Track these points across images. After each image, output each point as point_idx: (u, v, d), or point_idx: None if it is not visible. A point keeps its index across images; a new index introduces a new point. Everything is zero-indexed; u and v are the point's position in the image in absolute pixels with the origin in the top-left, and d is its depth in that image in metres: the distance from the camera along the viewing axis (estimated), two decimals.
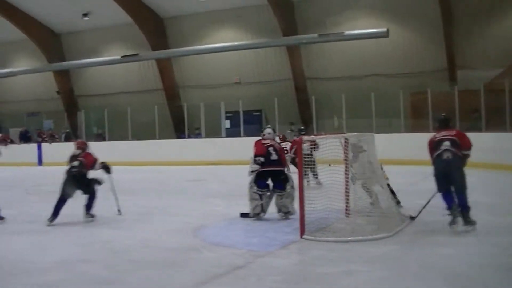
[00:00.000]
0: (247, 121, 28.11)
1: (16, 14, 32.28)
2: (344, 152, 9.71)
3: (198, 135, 28.93)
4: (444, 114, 10.41)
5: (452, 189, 9.06)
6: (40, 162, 30.17)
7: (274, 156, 10.77)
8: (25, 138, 33.11)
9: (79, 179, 11.22)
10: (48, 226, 10.65)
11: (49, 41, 34.56)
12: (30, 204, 14.53)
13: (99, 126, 32.29)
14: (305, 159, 9.84)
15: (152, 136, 28.28)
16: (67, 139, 31.86)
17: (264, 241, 8.89)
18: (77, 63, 33.26)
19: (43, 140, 32.10)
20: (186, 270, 7.29)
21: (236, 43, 28.65)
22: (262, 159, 10.66)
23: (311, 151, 10.88)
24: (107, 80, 34.23)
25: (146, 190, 13.32)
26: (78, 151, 11.50)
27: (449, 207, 9.04)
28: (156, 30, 31.33)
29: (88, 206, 11.29)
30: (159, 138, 28.71)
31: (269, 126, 12.04)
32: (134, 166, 23.75)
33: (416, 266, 7.12)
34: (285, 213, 10.61)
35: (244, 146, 23.95)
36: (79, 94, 35.84)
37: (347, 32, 25.76)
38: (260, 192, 10.66)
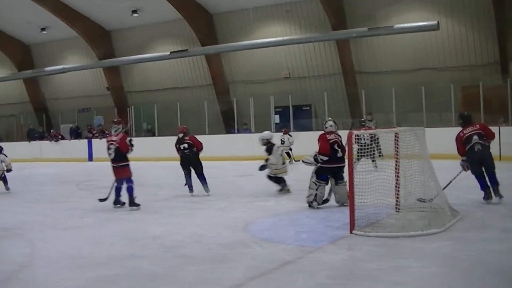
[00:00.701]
0: (297, 116, 28.31)
1: (68, 12, 32.99)
2: (395, 147, 9.76)
3: (247, 130, 29.07)
4: (466, 112, 12.15)
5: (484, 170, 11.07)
6: (90, 157, 30.91)
7: (339, 154, 11.25)
8: (75, 134, 33.91)
9: (193, 158, 12.90)
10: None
11: (100, 38, 35.22)
12: (81, 200, 14.83)
13: (148, 121, 32.78)
14: (364, 149, 10.28)
15: (201, 131, 28.39)
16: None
17: (314, 237, 8.88)
18: (127, 59, 33.96)
19: (94, 136, 32.78)
20: (236, 265, 7.31)
21: (285, 37, 28.91)
22: (325, 158, 11.08)
23: (371, 142, 11.10)
24: (157, 76, 34.85)
25: (195, 185, 13.48)
26: (181, 135, 13.01)
27: (483, 187, 11.08)
28: (205, 26, 31.64)
29: (204, 181, 13.41)
30: (209, 133, 28.88)
31: (330, 118, 12.15)
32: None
33: (467, 262, 7.05)
34: (343, 202, 11.03)
35: (294, 141, 24.22)
36: (128, 90, 36.54)
37: (397, 26, 25.82)
38: (318, 183, 11.12)
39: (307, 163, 11.38)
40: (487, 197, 10.97)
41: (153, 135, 30.96)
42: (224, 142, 28.05)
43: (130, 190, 12.11)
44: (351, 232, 8.78)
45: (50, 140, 33.33)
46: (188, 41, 32.19)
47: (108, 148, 12.28)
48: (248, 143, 26.95)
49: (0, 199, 15.83)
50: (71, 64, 36.39)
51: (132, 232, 9.82)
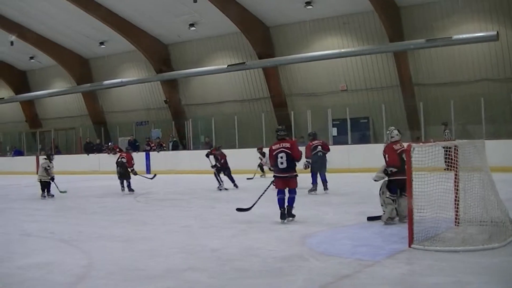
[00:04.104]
0: (355, 129, 28.98)
1: (126, 26, 34.71)
2: (455, 160, 9.81)
3: (304, 143, 29.33)
4: None
5: None
6: (148, 170, 31.68)
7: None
8: (133, 147, 34.42)
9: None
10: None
11: (157, 52, 36.73)
12: (139, 212, 15.64)
13: (206, 134, 33.75)
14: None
15: (259, 144, 29.11)
16: (175, 147, 33.28)
17: (371, 250, 8.97)
18: (184, 72, 35.52)
19: (151, 149, 34.05)
20: (293, 278, 7.46)
21: (342, 50, 29.79)
22: (395, 170, 11.06)
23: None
24: (214, 89, 36.11)
25: (253, 198, 13.73)
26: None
27: None
28: (262, 39, 32.73)
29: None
30: (266, 146, 29.10)
31: (393, 127, 12.06)
32: (242, 174, 24.66)
33: None
34: (404, 216, 10.83)
35: (351, 154, 24.84)
36: (186, 103, 37.90)
37: (455, 37, 26.46)
38: (392, 198, 11.14)
39: (379, 179, 11.36)
40: None
41: (211, 148, 31.59)
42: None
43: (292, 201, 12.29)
44: (409, 246, 8.88)
45: (108, 153, 34.49)
46: (245, 54, 33.42)
47: (281, 157, 12.17)
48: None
49: (59, 211, 16.86)
50: (129, 77, 38.28)
51: (189, 244, 10.12)
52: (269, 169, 23.47)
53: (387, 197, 11.15)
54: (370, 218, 11.59)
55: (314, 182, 18.01)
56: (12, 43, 37.32)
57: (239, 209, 13.00)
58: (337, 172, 23.93)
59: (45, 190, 19.88)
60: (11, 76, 45.49)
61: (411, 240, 8.95)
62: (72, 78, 40.99)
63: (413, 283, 7.34)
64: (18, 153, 42.67)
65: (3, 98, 45.81)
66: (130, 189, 20.99)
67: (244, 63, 32.51)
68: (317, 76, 32.12)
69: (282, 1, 30.18)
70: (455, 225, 10.05)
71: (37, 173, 36.26)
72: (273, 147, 12.27)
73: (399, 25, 28.95)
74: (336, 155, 25.42)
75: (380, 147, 12.42)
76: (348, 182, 20.77)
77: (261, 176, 24.69)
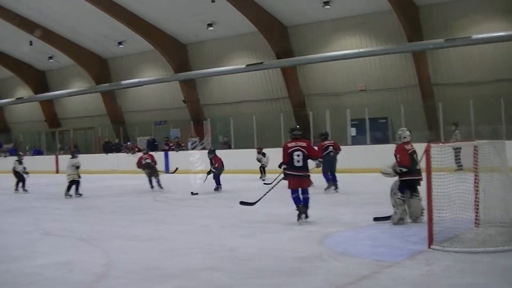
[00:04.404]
0: (373, 129, 29.11)
1: (144, 26, 35.07)
2: (474, 160, 9.79)
3: None
4: None
5: None
6: (167, 170, 31.70)
7: (418, 166, 11.26)
8: (152, 146, 34.97)
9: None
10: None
11: (175, 52, 37.05)
12: (158, 212, 15.79)
13: (225, 134, 34.02)
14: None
15: (277, 144, 29.04)
16: (194, 147, 33.39)
17: (390, 251, 9.02)
18: (202, 72, 35.89)
19: (170, 149, 34.22)
20: (311, 279, 7.51)
21: (360, 50, 30.01)
22: (405, 170, 11.17)
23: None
24: (233, 89, 36.37)
25: (271, 199, 13.73)
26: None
27: None
28: (280, 39, 32.87)
29: None
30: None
31: (404, 128, 12.07)
32: (259, 174, 24.74)
33: None
34: (417, 217, 11.23)
35: (370, 154, 24.86)
36: (205, 103, 38.21)
37: (474, 36, 26.56)
38: (403, 198, 11.19)
39: (386, 174, 11.50)
40: None
41: (229, 147, 31.98)
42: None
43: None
44: (429, 247, 8.88)
45: (127, 153, 34.75)
46: (264, 54, 33.55)
47: (297, 155, 12.16)
48: None
49: (78, 210, 17.09)
50: (147, 77, 38.65)
51: (207, 244, 10.23)
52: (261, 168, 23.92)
53: (398, 198, 11.18)
54: (376, 219, 11.63)
55: (329, 180, 18.52)
56: (31, 43, 37.82)
57: (242, 203, 13.11)
58: (355, 172, 24.21)
59: (71, 189, 19.94)
60: (30, 76, 45.99)
61: (430, 241, 8.96)
62: (90, 78, 41.44)
63: (432, 284, 7.36)
64: (38, 152, 43.20)
65: (22, 97, 46.44)
66: (160, 186, 21.49)
67: (262, 63, 32.78)
68: (335, 76, 32.26)
69: (300, 1, 30.33)
70: (475, 226, 9.95)
71: (56, 172, 36.86)
72: (289, 145, 12.22)
73: (418, 24, 28.95)
74: (355, 155, 25.67)
75: None
76: (366, 182, 20.86)
77: (260, 177, 24.47)
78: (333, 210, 14.01)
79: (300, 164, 12.14)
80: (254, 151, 27.45)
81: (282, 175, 12.80)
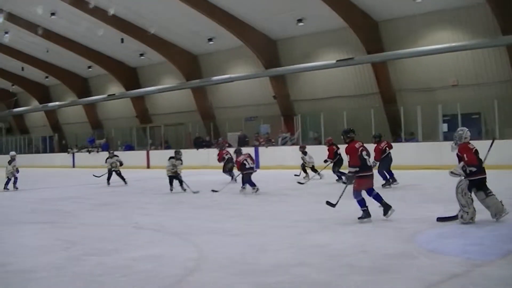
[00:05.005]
0: (466, 125, 27.70)
1: (234, 22, 35.84)
2: None
3: (414, 139, 30.08)
4: None
5: None
6: (257, 165, 32.01)
7: (483, 164, 11.29)
8: (243, 142, 35.62)
9: None
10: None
11: (265, 48, 37.76)
12: (249, 206, 16.07)
13: (315, 130, 34.47)
14: None
15: (368, 140, 29.11)
16: (284, 143, 33.81)
17: (482, 249, 8.94)
18: (292, 68, 36.47)
19: (260, 144, 34.91)
20: (402, 276, 7.54)
21: (452, 44, 29.75)
22: (474, 169, 11.13)
23: None
24: (322, 84, 36.78)
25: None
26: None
27: None
28: (370, 34, 33.13)
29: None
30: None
31: (465, 128, 12.03)
32: (311, 173, 24.77)
33: None
34: (496, 213, 11.17)
35: None
36: (295, 99, 38.76)
37: None
38: (471, 197, 11.16)
39: (456, 174, 11.41)
40: None
41: (319, 143, 32.07)
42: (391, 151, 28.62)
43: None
44: None
45: (217, 148, 35.29)
46: (354, 49, 33.81)
47: (366, 155, 12.37)
48: (417, 152, 27.89)
49: (169, 205, 17.57)
50: (237, 73, 39.60)
51: (298, 240, 10.38)
52: (311, 168, 24.11)
53: (468, 198, 11.13)
54: (440, 219, 11.55)
55: (387, 177, 19.71)
56: (122, 40, 38.97)
57: (329, 203, 13.10)
58: (447, 168, 23.80)
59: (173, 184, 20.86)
60: (122, 73, 47.77)
61: None
62: (181, 74, 42.61)
63: None
64: (129, 148, 44.66)
65: (114, 94, 48.06)
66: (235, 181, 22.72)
67: (353, 58, 33.08)
68: (426, 71, 32.15)
69: None
70: None
71: (147, 167, 38.06)
72: (356, 146, 12.24)
73: None
74: (447, 151, 25.33)
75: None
76: (457, 179, 20.68)
77: (304, 177, 24.02)
78: (424, 208, 13.99)
79: (370, 163, 12.41)
80: (344, 147, 27.45)
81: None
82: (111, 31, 38.65)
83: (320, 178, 23.66)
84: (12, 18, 39.07)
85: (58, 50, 44.80)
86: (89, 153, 45.79)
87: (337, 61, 33.35)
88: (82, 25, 38.78)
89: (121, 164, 24.89)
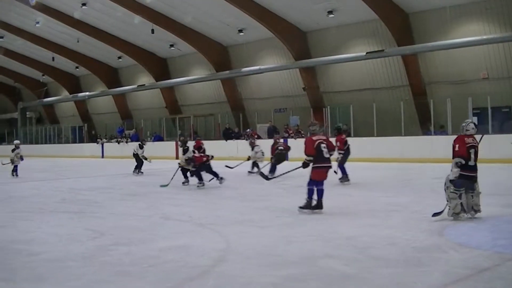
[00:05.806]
0: (496, 118, 29.05)
1: (264, 13, 36.26)
2: None
3: (444, 132, 30.18)
4: None
5: None
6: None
7: (472, 162, 11.11)
8: (272, 133, 35.21)
9: None
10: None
11: (296, 39, 38.18)
12: (277, 198, 15.90)
13: (344, 122, 34.25)
14: None
15: (397, 133, 30.16)
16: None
17: None
18: (322, 60, 36.92)
19: (289, 136, 35.26)
20: (431, 269, 7.51)
21: (484, 37, 29.91)
22: (463, 161, 10.96)
23: None
24: (352, 76, 37.17)
25: (390, 187, 13.35)
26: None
27: None
28: (401, 26, 33.34)
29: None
30: (405, 135, 30.41)
31: (469, 120, 11.76)
32: (379, 163, 24.96)
33: None
34: (476, 211, 11.04)
35: (492, 144, 24.83)
36: (324, 91, 39.17)
37: None
38: (458, 191, 10.94)
39: (456, 177, 11.02)
40: None
41: (349, 135, 31.99)
42: (421, 144, 29.34)
43: None
44: None
45: (246, 139, 35.69)
46: (384, 41, 34.21)
47: (324, 147, 12.61)
48: (447, 145, 27.84)
49: (197, 195, 17.69)
50: (267, 64, 40.16)
51: (326, 232, 10.36)
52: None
53: (451, 192, 10.98)
54: (435, 214, 11.21)
55: (346, 172, 19.16)
56: (152, 31, 39.53)
57: (262, 174, 13.45)
58: (479, 162, 23.95)
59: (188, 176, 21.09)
60: (152, 64, 48.59)
61: None
62: (211, 65, 43.28)
63: None
64: (158, 138, 45.45)
65: (144, 85, 48.83)
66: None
67: (383, 50, 33.44)
68: (457, 63, 32.27)
69: None
70: None
71: (176, 158, 38.54)
72: (314, 138, 12.58)
73: None
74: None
75: None
76: (491, 172, 20.29)
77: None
78: None
79: (327, 156, 12.63)
80: (374, 139, 27.81)
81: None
82: (142, 21, 39.44)
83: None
84: (43, 8, 40.05)
85: (88, 40, 45.87)
86: (118, 143, 46.48)
87: (367, 53, 33.70)
88: (113, 15, 39.55)
89: None
